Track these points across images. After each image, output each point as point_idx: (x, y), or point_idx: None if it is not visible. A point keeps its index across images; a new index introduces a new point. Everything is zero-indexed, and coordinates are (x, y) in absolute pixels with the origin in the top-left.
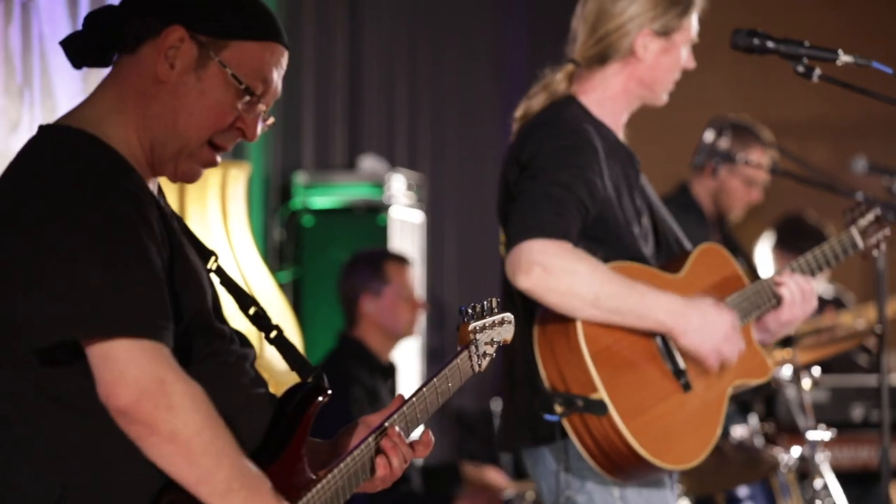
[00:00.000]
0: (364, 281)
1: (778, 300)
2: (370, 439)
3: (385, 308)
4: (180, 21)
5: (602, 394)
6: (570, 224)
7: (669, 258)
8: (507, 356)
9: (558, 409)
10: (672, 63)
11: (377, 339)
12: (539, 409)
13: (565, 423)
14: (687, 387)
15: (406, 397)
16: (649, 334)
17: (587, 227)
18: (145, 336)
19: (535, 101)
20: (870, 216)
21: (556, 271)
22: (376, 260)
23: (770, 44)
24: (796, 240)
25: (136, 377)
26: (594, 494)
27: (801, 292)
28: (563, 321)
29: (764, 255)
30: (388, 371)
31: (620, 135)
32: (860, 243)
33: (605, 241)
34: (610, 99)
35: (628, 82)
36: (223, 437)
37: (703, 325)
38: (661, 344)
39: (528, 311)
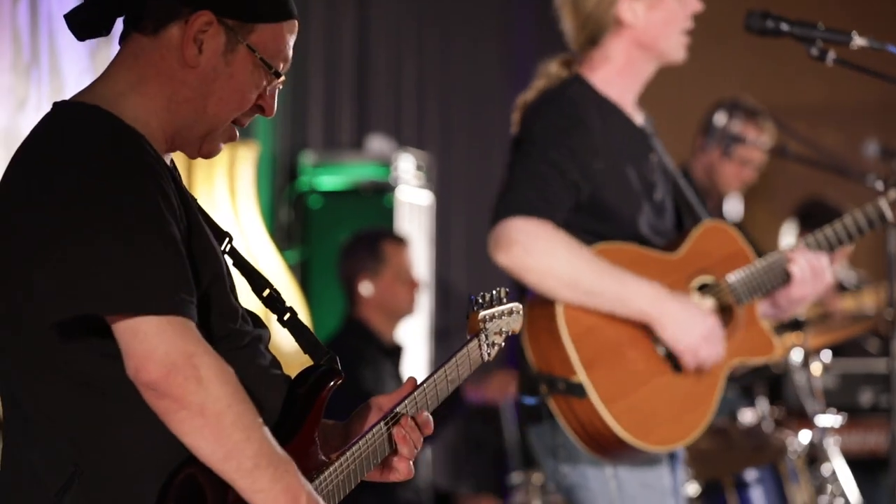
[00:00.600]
0: (362, 261)
1: (788, 277)
2: (381, 425)
3: (383, 288)
4: (207, 6)
5: (581, 377)
6: (556, 204)
7: (683, 230)
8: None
9: (543, 389)
10: (667, 16)
11: (379, 319)
12: (522, 391)
13: (552, 406)
14: (678, 367)
15: (418, 381)
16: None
17: (584, 203)
18: (172, 311)
19: (535, 92)
20: None
21: (536, 251)
22: (373, 240)
23: (784, 26)
24: (817, 223)
25: (166, 351)
26: (588, 473)
27: (812, 269)
28: (547, 302)
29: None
30: (394, 352)
31: (631, 109)
32: (889, 215)
33: (604, 217)
34: (616, 74)
35: (630, 51)
36: (251, 412)
37: (684, 321)
38: None
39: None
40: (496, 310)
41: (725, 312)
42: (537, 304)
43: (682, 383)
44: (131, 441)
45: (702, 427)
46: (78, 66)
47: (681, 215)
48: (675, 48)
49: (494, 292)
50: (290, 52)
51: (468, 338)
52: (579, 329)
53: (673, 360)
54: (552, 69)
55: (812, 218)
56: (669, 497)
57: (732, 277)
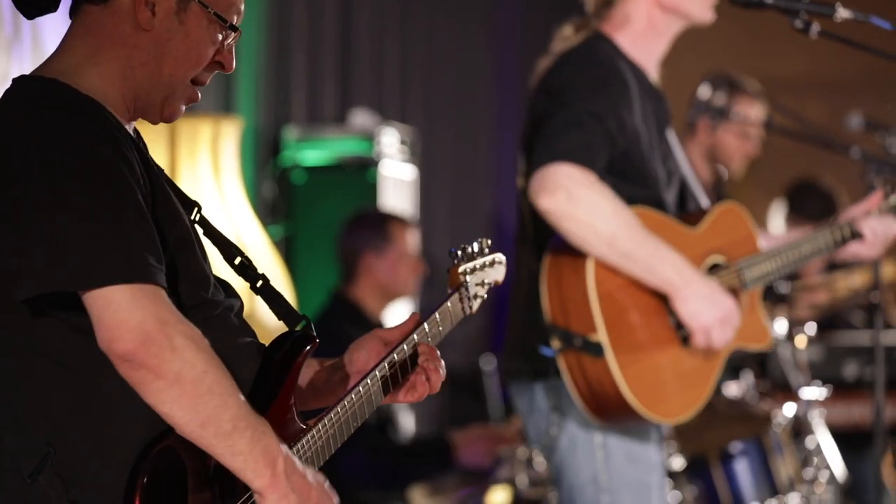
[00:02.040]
0: (367, 239)
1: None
2: (359, 388)
3: (386, 267)
4: None
5: (602, 336)
6: (597, 154)
7: (685, 209)
8: (513, 288)
9: (555, 344)
10: None
11: (374, 298)
12: (537, 342)
13: (560, 361)
14: (685, 341)
15: (419, 319)
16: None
17: (613, 161)
18: (143, 280)
19: (553, 56)
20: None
21: (580, 201)
22: (380, 219)
23: None
24: (807, 204)
25: (140, 320)
26: (577, 439)
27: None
28: (576, 256)
29: (778, 224)
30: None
31: (654, 75)
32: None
33: (630, 177)
34: (639, 35)
35: (651, 12)
36: (226, 377)
37: (706, 300)
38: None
39: (541, 243)
40: (477, 262)
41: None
42: (563, 256)
43: (687, 358)
44: (105, 418)
45: (698, 406)
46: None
47: (682, 187)
48: (699, 9)
49: (476, 244)
50: (243, 5)
51: (449, 292)
52: (605, 289)
53: (681, 334)
54: (567, 33)
55: (802, 199)
56: (656, 472)
57: (743, 262)
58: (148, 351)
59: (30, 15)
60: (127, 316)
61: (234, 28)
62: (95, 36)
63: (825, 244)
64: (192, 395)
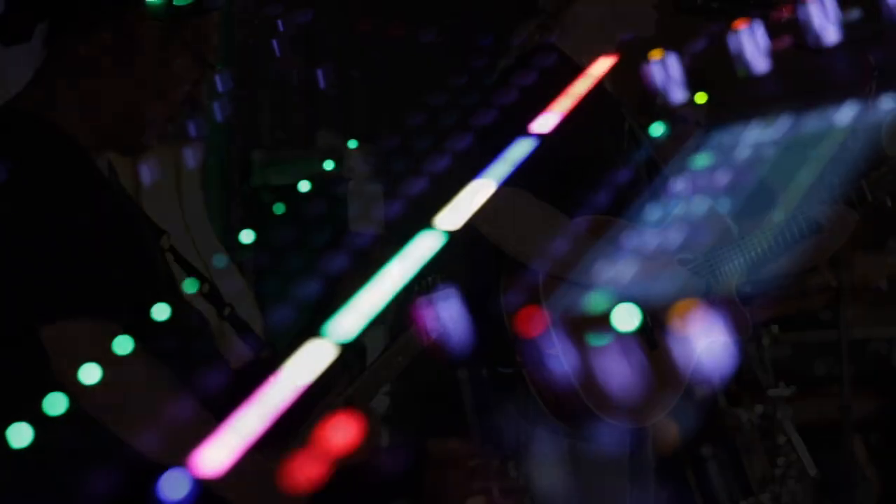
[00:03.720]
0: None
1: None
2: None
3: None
4: (138, 4)
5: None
6: (538, 168)
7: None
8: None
9: (518, 358)
10: None
11: None
12: (496, 361)
13: (526, 373)
14: (653, 345)
15: (360, 372)
16: None
17: (560, 161)
18: (96, 317)
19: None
20: None
21: (509, 220)
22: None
23: (714, 3)
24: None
25: (90, 360)
26: (546, 447)
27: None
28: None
29: None
30: (358, 350)
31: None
32: (869, 196)
33: (571, 181)
34: (589, 39)
35: (603, 16)
36: (182, 404)
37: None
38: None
39: (496, 258)
40: (433, 295)
41: None
42: (520, 269)
43: (655, 361)
44: (78, 452)
45: (668, 408)
46: (24, 71)
47: (653, 189)
48: (643, 22)
49: (430, 278)
50: (217, 43)
51: (407, 324)
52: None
53: (648, 338)
54: (529, 29)
55: None
56: (625, 475)
57: (712, 255)
58: (101, 390)
59: (6, 43)
60: (78, 355)
61: (211, 66)
62: (74, 67)
63: (785, 241)
64: (148, 427)
